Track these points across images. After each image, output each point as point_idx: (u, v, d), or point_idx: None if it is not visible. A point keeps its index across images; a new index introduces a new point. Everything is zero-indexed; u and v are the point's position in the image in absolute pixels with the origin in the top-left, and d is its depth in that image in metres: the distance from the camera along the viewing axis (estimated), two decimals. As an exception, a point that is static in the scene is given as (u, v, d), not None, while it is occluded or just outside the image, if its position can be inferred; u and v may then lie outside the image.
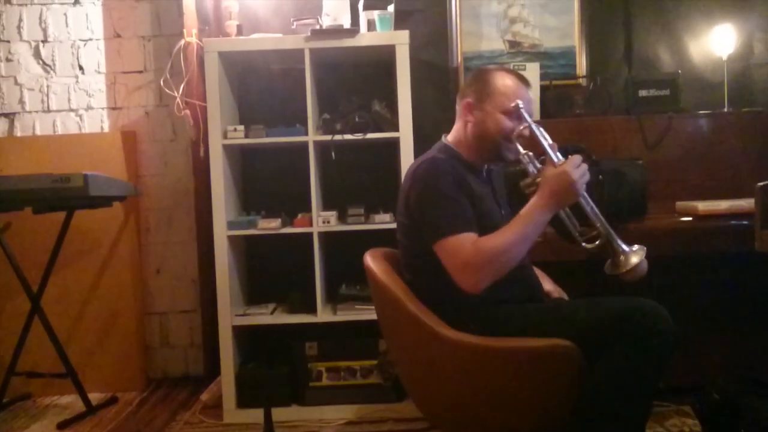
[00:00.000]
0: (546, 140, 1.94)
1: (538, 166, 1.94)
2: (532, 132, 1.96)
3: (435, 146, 2.12)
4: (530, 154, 1.97)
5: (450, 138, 2.12)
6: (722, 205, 2.63)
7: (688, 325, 2.96)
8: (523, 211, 1.86)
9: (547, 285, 2.21)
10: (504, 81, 2.01)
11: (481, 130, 2.01)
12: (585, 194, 1.88)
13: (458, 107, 2.09)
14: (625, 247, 1.88)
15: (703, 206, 2.63)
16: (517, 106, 1.97)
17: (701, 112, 3.05)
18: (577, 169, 1.84)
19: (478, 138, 2.02)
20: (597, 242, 1.91)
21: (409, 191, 1.97)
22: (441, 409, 2.04)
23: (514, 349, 1.84)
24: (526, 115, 1.98)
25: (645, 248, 1.88)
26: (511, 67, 2.96)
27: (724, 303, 2.94)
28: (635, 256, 1.86)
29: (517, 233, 1.82)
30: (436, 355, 1.92)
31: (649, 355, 1.75)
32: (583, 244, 1.94)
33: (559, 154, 1.92)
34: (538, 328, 1.86)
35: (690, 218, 2.66)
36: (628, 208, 2.62)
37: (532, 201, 1.86)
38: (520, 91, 2.01)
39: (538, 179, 1.89)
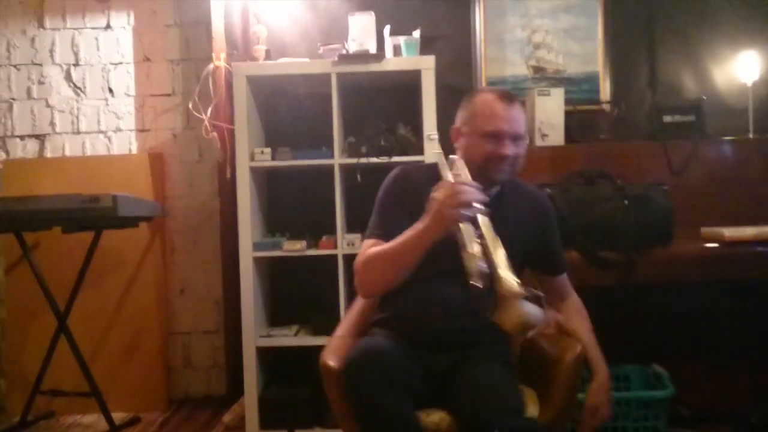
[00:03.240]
0: (442, 161, 1.88)
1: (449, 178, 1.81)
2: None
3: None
4: (444, 161, 1.89)
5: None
6: (749, 231, 2.61)
7: (715, 352, 2.99)
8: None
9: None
10: (483, 100, 1.92)
11: (466, 156, 1.91)
12: (470, 223, 1.65)
13: None
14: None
15: (729, 232, 2.61)
16: (495, 130, 1.86)
17: (726, 137, 3.05)
18: (442, 191, 1.68)
19: (468, 163, 1.88)
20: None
21: None
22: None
23: None
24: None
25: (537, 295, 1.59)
26: (536, 93, 3.01)
27: (752, 330, 2.92)
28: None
29: (397, 244, 1.77)
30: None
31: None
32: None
33: (450, 175, 1.80)
34: None
35: (716, 244, 2.64)
36: (653, 234, 2.61)
37: None
38: (498, 111, 1.88)
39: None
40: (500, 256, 1.59)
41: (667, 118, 3.08)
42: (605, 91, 3.33)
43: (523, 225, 1.97)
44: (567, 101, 3.10)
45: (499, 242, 1.64)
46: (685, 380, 2.78)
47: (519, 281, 1.53)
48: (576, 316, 2.03)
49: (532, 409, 1.80)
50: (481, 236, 1.63)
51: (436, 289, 1.87)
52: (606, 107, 3.29)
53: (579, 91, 3.32)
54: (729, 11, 3.31)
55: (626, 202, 2.60)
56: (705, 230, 2.73)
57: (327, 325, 2.97)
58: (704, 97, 3.15)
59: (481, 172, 1.88)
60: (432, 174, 1.90)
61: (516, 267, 1.68)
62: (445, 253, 1.71)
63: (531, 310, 1.49)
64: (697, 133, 3.02)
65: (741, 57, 3.18)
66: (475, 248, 1.58)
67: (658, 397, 2.64)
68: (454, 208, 1.64)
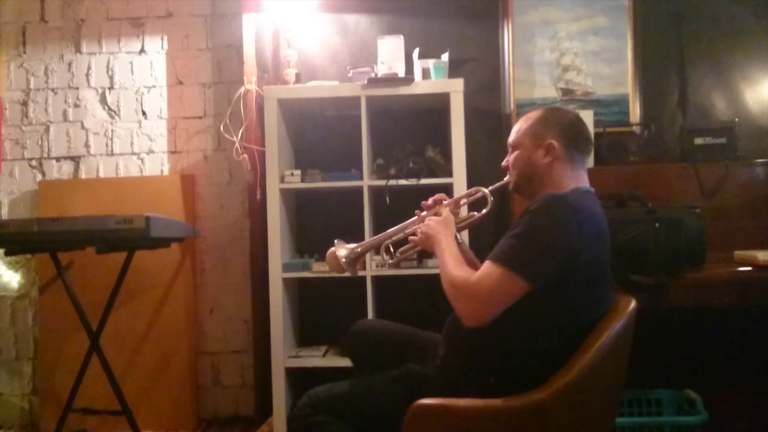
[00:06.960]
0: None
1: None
2: None
3: None
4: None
5: None
6: (783, 254, 2.58)
7: (749, 377, 2.93)
8: None
9: None
10: None
11: None
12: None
13: None
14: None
15: (763, 255, 2.58)
16: None
17: (759, 160, 3.02)
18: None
19: None
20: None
21: None
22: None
23: None
24: None
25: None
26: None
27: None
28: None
29: None
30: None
31: None
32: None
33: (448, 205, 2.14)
34: None
35: (749, 268, 2.60)
36: (685, 257, 2.58)
37: None
38: None
39: None
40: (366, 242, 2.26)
41: (699, 140, 3.06)
42: (635, 113, 3.32)
43: None
44: (596, 123, 3.10)
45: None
46: (718, 406, 2.74)
47: (351, 249, 2.16)
48: None
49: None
50: None
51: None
52: (636, 129, 3.27)
53: (608, 113, 3.32)
54: (761, 32, 3.29)
55: (657, 224, 2.57)
56: (738, 253, 2.70)
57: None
58: (736, 120, 3.13)
59: None
60: None
61: None
62: None
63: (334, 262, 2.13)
64: (728, 156, 3.00)
65: (773, 79, 3.16)
66: None
67: (690, 423, 2.60)
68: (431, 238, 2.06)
